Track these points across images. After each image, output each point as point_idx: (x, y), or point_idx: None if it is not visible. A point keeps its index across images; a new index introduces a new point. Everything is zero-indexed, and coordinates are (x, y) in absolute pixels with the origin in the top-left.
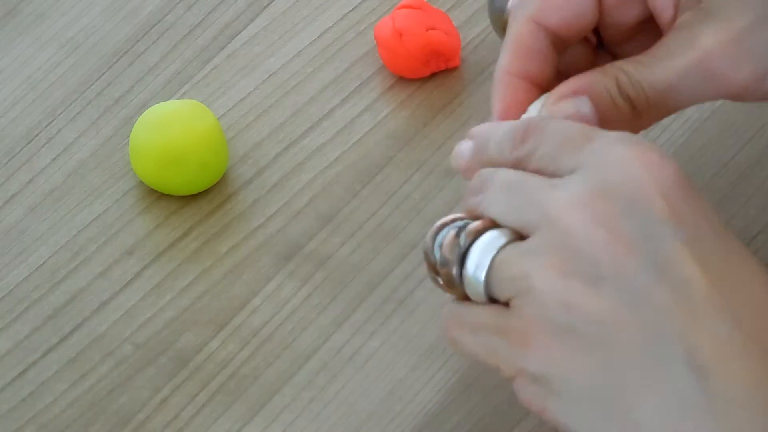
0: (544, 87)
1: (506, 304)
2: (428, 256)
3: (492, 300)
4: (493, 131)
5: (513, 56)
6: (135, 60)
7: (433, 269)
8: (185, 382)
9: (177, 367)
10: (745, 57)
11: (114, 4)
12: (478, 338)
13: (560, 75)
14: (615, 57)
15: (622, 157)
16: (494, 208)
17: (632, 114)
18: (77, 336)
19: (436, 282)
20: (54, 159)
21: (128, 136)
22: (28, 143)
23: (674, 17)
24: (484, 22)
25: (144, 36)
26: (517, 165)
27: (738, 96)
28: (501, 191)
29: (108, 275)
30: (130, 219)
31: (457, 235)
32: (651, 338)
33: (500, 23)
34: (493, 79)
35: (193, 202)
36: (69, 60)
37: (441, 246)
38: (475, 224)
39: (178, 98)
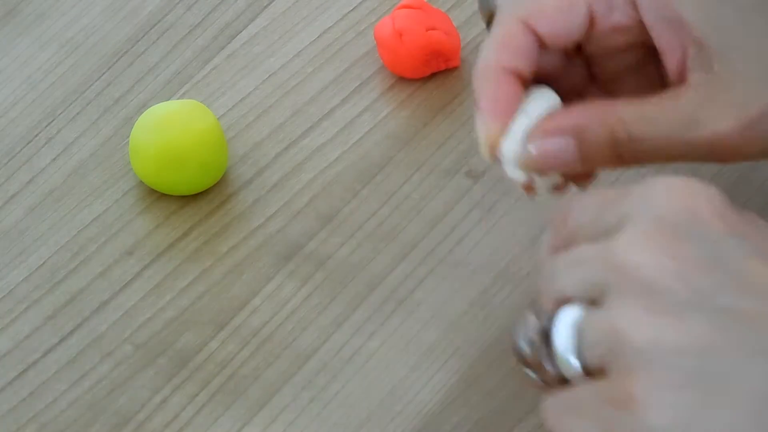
0: (528, 82)
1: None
2: (518, 353)
3: (589, 375)
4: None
5: (501, 52)
6: (135, 60)
7: (525, 363)
8: (185, 382)
9: (177, 367)
10: (754, 141)
11: (114, 4)
12: (588, 419)
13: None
14: (592, 70)
15: (665, 191)
16: (562, 287)
17: (616, 164)
18: (77, 336)
19: (530, 377)
20: (54, 159)
21: (128, 136)
22: (28, 143)
23: (682, 61)
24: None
25: (144, 36)
26: (569, 247)
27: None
28: (563, 270)
29: (108, 275)
30: (130, 219)
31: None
32: (751, 353)
33: (490, 18)
34: (476, 73)
35: (193, 202)
36: (69, 60)
37: (526, 338)
38: (548, 305)
39: (178, 98)
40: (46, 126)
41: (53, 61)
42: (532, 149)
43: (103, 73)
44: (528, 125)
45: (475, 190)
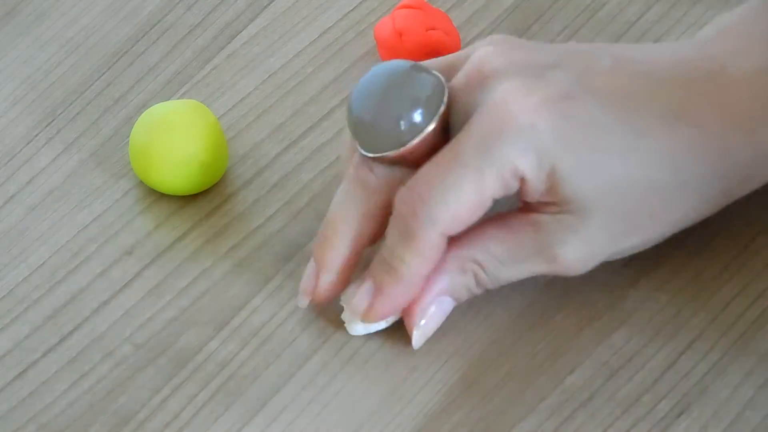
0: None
1: None
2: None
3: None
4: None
5: (428, 265)
6: (135, 60)
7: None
8: (185, 382)
9: (177, 367)
10: (594, 260)
11: (114, 4)
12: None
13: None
14: None
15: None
16: None
17: (480, 292)
18: (77, 336)
19: None
20: (54, 159)
21: (128, 136)
22: (28, 143)
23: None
24: (484, 23)
25: (144, 36)
26: None
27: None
28: None
29: (108, 275)
30: (130, 219)
31: None
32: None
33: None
34: (401, 281)
35: (193, 202)
36: (69, 60)
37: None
38: None
39: (178, 98)
40: (46, 126)
41: (53, 61)
42: (421, 323)
43: (103, 73)
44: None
45: None
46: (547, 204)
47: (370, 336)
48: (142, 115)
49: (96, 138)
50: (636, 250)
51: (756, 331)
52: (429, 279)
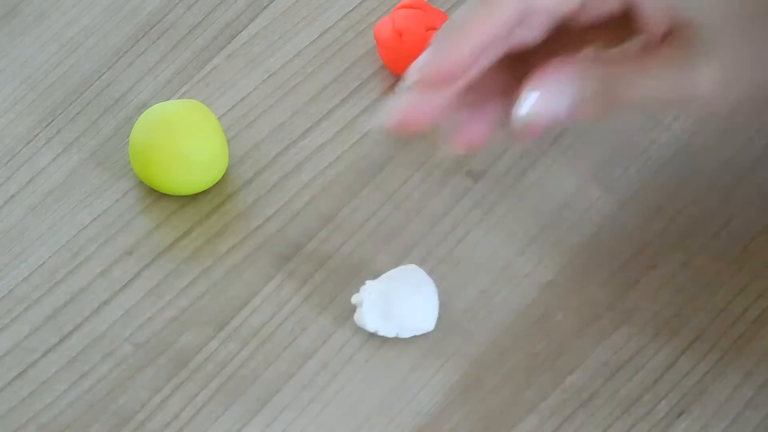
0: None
1: None
2: None
3: None
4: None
5: (494, 23)
6: (135, 60)
7: None
8: (185, 382)
9: (177, 367)
10: (732, 92)
11: (114, 4)
12: None
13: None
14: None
15: None
16: None
17: (601, 114)
18: (77, 336)
19: None
20: (54, 159)
21: (128, 136)
22: (28, 143)
23: (663, 33)
24: None
25: (144, 36)
26: None
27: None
28: None
29: (108, 275)
30: (130, 219)
31: None
32: None
33: None
34: (458, 29)
35: (193, 202)
36: (69, 60)
37: None
38: None
39: (178, 98)
40: (46, 126)
41: (53, 61)
42: (531, 96)
43: (103, 73)
44: None
45: (475, 190)
46: (671, 35)
47: (370, 336)
48: (142, 115)
49: (96, 138)
50: None
51: (756, 331)
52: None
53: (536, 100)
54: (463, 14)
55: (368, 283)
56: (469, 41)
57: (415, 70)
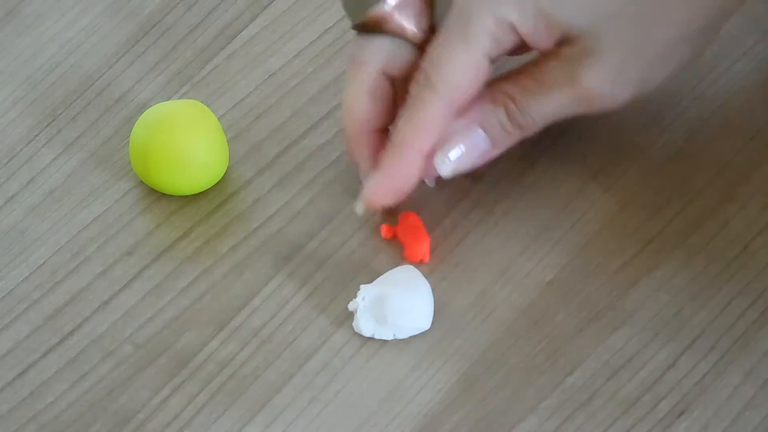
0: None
1: None
2: None
3: None
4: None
5: (429, 138)
6: (135, 60)
7: None
8: (185, 382)
9: (177, 367)
10: (622, 86)
11: (114, 4)
12: None
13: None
14: None
15: None
16: None
17: (521, 136)
18: (77, 336)
19: None
20: (54, 159)
21: (128, 136)
22: (28, 143)
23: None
24: None
25: (144, 36)
26: None
27: (612, 110)
28: None
29: (108, 275)
30: (130, 219)
31: None
32: None
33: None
34: (400, 153)
35: (193, 202)
36: (69, 60)
37: None
38: None
39: (178, 98)
40: (46, 126)
41: (53, 61)
42: (450, 155)
43: (103, 73)
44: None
45: (475, 190)
46: (560, 45)
47: (370, 336)
48: (142, 115)
49: (96, 138)
50: (664, 74)
51: (756, 331)
52: (462, 111)
53: (454, 160)
54: (399, 134)
55: (362, 287)
56: (409, 162)
57: (365, 197)
